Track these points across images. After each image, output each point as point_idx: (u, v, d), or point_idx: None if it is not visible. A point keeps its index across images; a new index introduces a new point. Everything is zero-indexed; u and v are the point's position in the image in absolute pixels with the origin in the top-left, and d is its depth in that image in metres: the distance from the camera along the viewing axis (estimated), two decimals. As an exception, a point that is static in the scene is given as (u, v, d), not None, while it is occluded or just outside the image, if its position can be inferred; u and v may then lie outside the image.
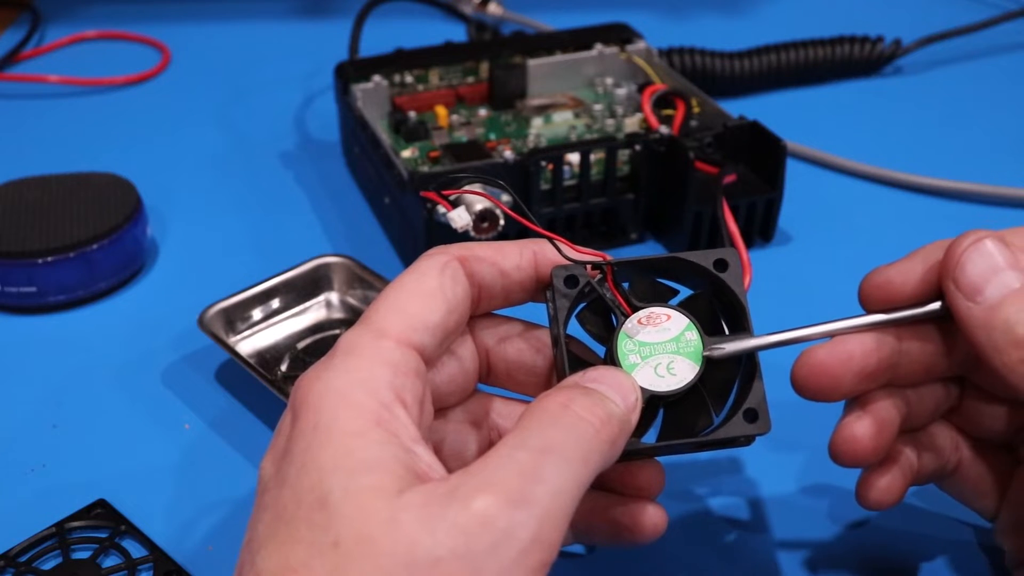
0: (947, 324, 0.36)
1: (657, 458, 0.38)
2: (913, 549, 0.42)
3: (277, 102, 0.74)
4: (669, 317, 0.36)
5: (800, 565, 0.42)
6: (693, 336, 0.36)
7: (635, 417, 0.34)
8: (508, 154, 0.56)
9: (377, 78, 0.63)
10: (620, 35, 0.67)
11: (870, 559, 0.42)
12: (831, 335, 0.37)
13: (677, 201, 0.56)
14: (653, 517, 0.38)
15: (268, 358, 0.51)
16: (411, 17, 0.82)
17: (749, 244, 0.57)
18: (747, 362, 0.37)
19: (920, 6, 0.85)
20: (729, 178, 0.57)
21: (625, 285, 0.37)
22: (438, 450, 0.37)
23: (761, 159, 0.58)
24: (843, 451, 0.37)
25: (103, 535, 0.43)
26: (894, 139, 0.69)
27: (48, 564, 0.42)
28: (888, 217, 0.62)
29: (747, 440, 0.37)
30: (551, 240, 0.37)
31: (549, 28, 0.79)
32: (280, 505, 0.30)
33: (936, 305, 0.36)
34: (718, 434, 0.36)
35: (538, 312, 0.38)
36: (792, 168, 0.59)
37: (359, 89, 0.62)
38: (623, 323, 0.36)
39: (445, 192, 0.39)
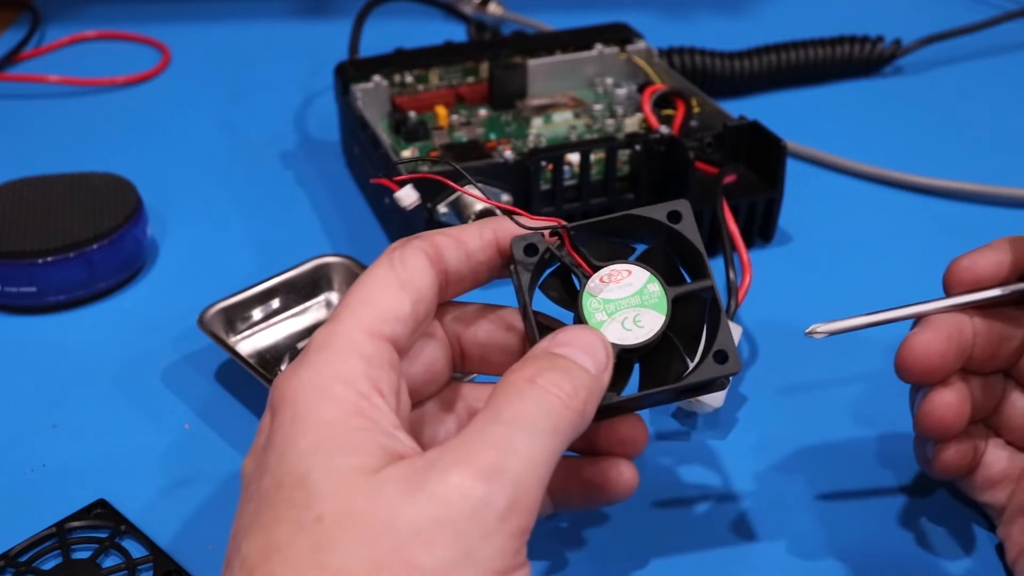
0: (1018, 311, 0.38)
1: (638, 412, 0.39)
2: (910, 547, 0.42)
3: (277, 102, 0.74)
4: (630, 272, 0.37)
5: (798, 563, 0.42)
6: (656, 288, 0.37)
7: (607, 376, 0.35)
8: (508, 154, 0.56)
9: (377, 78, 0.63)
10: (620, 35, 0.67)
11: (867, 557, 0.42)
12: (921, 316, 0.38)
13: (677, 201, 0.56)
14: (624, 473, 0.39)
15: (268, 358, 0.51)
16: (411, 17, 0.82)
17: (749, 244, 0.57)
18: (712, 307, 0.37)
19: (920, 6, 0.85)
20: (729, 178, 0.57)
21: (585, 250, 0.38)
22: (417, 440, 0.38)
23: (761, 159, 0.58)
24: (914, 366, 0.38)
25: (103, 535, 0.43)
26: (894, 139, 0.69)
27: (48, 564, 0.42)
28: (888, 217, 0.62)
29: (722, 383, 0.37)
30: (505, 211, 0.37)
31: (549, 28, 0.79)
32: (262, 492, 0.31)
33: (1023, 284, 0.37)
34: (691, 379, 0.36)
35: (506, 295, 0.38)
36: (792, 168, 0.59)
37: (359, 89, 0.62)
38: (586, 283, 0.37)
39: (398, 178, 0.40)
